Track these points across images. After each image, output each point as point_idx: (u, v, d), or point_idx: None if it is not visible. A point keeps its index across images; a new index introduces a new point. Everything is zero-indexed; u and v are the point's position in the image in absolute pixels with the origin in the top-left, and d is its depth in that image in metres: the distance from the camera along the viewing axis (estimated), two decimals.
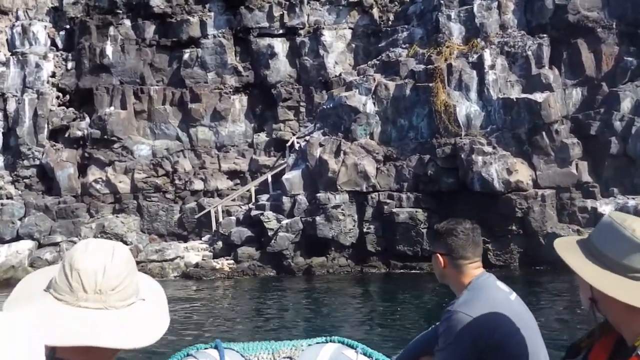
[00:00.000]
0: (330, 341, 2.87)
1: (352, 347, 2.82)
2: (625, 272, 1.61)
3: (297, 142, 22.42)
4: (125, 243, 21.36)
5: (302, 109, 24.05)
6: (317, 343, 2.85)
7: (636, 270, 1.60)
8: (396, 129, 19.95)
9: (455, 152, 18.54)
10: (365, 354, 2.79)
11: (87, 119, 23.87)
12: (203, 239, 22.21)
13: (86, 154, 23.66)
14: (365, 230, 19.30)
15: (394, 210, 19.02)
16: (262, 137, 24.33)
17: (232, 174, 24.12)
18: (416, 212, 18.89)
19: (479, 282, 2.51)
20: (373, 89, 20.07)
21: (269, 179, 22.26)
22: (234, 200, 23.06)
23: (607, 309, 1.65)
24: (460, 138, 18.62)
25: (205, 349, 2.73)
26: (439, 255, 2.58)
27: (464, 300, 2.45)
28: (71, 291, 1.40)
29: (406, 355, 2.91)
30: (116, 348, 1.40)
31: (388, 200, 19.27)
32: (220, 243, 20.96)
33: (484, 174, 17.95)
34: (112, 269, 1.43)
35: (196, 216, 22.86)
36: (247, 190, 23.12)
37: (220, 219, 21.71)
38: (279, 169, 22.84)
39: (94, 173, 23.51)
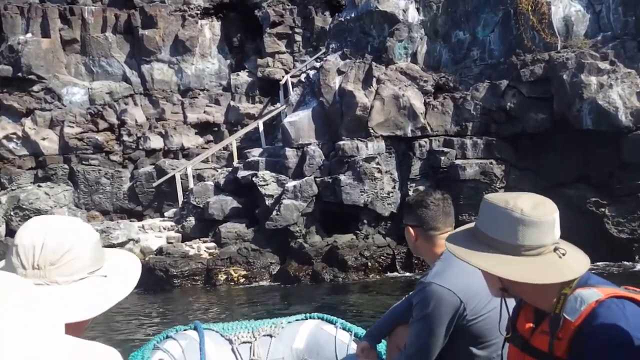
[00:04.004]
0: (310, 317, 2.95)
1: (331, 322, 2.90)
2: (523, 251, 1.66)
3: (293, 82, 16.06)
4: None
5: (298, 38, 17.65)
6: (297, 320, 2.93)
7: (532, 247, 1.66)
8: (450, 47, 13.77)
9: (552, 73, 12.43)
10: (344, 329, 2.83)
11: None
12: (166, 214, 15.54)
13: None
14: (411, 193, 13.07)
15: (456, 162, 12.86)
16: (243, 77, 17.80)
17: (203, 127, 17.58)
18: (490, 164, 12.77)
19: None
20: None
21: (261, 127, 15.72)
22: (206, 161, 16.48)
23: (519, 291, 1.72)
24: (558, 52, 12.53)
25: (185, 330, 2.76)
26: (410, 227, 2.58)
27: (437, 271, 2.43)
28: (13, 268, 1.32)
29: (381, 326, 2.95)
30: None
31: (444, 149, 13.09)
32: (191, 219, 14.40)
33: (601, 101, 11.90)
34: (50, 242, 1.32)
35: (154, 184, 16.24)
36: (225, 148, 16.55)
37: (191, 186, 15.09)
38: (269, 115, 16.35)
39: (4, 127, 16.70)
